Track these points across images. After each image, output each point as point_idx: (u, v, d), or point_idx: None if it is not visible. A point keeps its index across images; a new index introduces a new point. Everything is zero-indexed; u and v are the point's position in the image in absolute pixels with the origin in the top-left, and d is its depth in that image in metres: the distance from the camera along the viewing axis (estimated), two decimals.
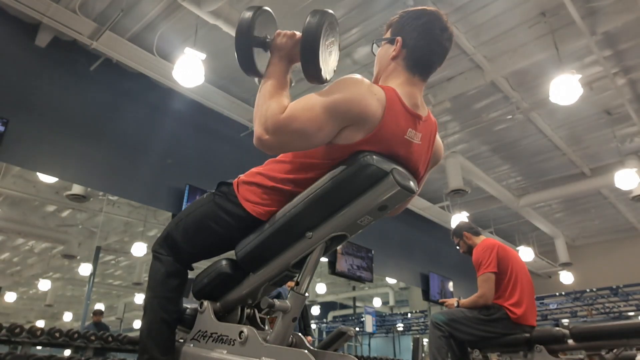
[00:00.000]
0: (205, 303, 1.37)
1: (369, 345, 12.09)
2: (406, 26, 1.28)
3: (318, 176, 1.23)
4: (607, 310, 10.51)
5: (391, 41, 1.31)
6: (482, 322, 2.84)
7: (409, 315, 13.16)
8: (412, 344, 3.59)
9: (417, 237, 8.34)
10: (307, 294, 1.21)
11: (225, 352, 1.22)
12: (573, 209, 8.77)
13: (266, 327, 1.48)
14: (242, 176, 1.40)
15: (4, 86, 4.06)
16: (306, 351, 1.05)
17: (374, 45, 1.39)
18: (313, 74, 1.22)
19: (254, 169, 1.40)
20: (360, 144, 1.17)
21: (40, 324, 10.28)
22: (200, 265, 1.50)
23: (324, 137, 1.18)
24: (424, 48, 1.26)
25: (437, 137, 1.40)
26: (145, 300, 1.41)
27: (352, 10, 4.23)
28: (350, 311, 12.01)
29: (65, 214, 7.35)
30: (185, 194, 4.94)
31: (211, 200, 1.41)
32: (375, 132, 1.16)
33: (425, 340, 7.20)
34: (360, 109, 1.14)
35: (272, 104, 1.18)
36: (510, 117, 5.68)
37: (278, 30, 1.31)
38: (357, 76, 1.20)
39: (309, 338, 4.51)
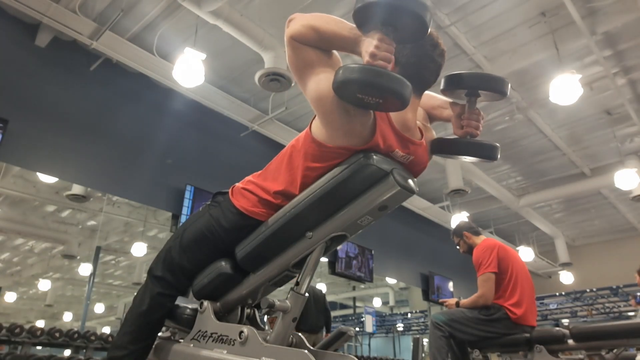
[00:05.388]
0: (206, 303, 1.37)
1: (369, 345, 12.09)
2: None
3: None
4: (607, 310, 10.51)
5: None
6: (482, 322, 2.84)
7: (409, 315, 13.16)
8: (412, 344, 3.58)
9: (417, 237, 8.34)
10: (306, 294, 1.21)
11: (225, 352, 1.22)
12: (573, 209, 8.77)
13: (266, 327, 1.48)
14: (237, 184, 1.41)
15: (4, 86, 4.06)
16: (306, 351, 1.05)
17: None
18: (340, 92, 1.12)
19: (248, 177, 1.41)
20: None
21: (40, 324, 10.29)
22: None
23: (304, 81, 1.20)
24: (416, 64, 1.26)
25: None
26: (123, 323, 1.43)
27: (352, 10, 4.23)
28: (350, 311, 12.01)
29: (65, 214, 7.35)
30: (190, 195, 4.93)
31: (206, 213, 1.42)
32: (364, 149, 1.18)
33: (426, 340, 7.19)
34: (331, 110, 1.15)
35: (316, 23, 1.17)
36: (507, 117, 5.68)
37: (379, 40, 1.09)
38: None
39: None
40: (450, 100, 1.42)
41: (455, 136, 1.40)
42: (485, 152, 1.38)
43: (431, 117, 1.49)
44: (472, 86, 1.34)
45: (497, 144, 1.38)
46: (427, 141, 1.36)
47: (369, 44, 1.07)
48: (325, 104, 1.15)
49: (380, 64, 1.06)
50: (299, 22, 1.18)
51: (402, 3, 1.04)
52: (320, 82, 1.16)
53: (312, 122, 1.25)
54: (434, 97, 1.49)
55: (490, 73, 1.42)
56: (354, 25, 1.13)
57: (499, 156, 1.39)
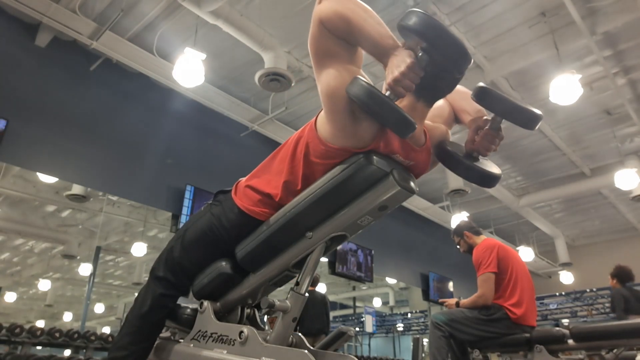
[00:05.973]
0: (206, 303, 1.37)
1: (369, 345, 12.08)
2: None
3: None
4: (607, 310, 10.50)
5: None
6: (482, 322, 2.84)
7: (409, 315, 13.17)
8: (412, 344, 3.58)
9: (417, 237, 8.34)
10: (306, 294, 1.21)
11: (225, 352, 1.22)
12: (573, 209, 8.77)
13: (266, 327, 1.48)
14: (241, 180, 1.40)
15: (4, 86, 4.06)
16: (306, 351, 1.05)
17: None
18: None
19: (253, 172, 1.40)
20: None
21: (40, 324, 10.30)
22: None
23: (320, 58, 1.17)
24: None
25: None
26: (124, 323, 1.42)
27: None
28: (350, 311, 12.01)
29: (65, 214, 7.35)
30: (190, 195, 4.93)
31: (208, 212, 1.41)
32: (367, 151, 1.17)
33: (425, 340, 7.19)
34: (337, 109, 1.14)
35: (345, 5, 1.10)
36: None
37: (408, 67, 1.05)
38: None
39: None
40: (480, 108, 1.34)
41: (461, 146, 1.36)
42: (480, 179, 1.32)
43: (456, 119, 1.44)
44: (501, 112, 1.26)
45: (498, 174, 1.32)
46: (433, 143, 1.34)
47: (397, 65, 1.04)
48: (334, 102, 1.13)
49: (400, 91, 1.05)
50: (334, 5, 1.11)
51: (448, 43, 1.04)
52: (334, 79, 1.13)
53: (318, 115, 1.24)
54: (466, 98, 1.37)
55: (526, 106, 1.26)
56: (390, 34, 1.09)
57: (495, 185, 1.34)
